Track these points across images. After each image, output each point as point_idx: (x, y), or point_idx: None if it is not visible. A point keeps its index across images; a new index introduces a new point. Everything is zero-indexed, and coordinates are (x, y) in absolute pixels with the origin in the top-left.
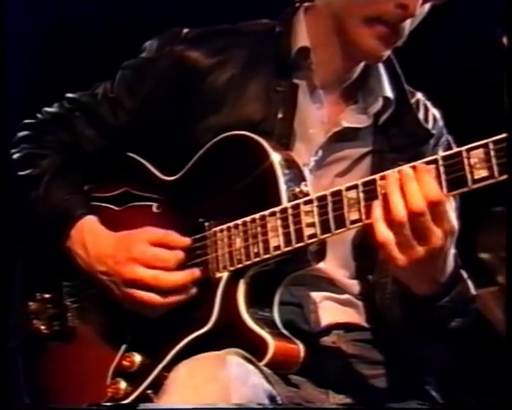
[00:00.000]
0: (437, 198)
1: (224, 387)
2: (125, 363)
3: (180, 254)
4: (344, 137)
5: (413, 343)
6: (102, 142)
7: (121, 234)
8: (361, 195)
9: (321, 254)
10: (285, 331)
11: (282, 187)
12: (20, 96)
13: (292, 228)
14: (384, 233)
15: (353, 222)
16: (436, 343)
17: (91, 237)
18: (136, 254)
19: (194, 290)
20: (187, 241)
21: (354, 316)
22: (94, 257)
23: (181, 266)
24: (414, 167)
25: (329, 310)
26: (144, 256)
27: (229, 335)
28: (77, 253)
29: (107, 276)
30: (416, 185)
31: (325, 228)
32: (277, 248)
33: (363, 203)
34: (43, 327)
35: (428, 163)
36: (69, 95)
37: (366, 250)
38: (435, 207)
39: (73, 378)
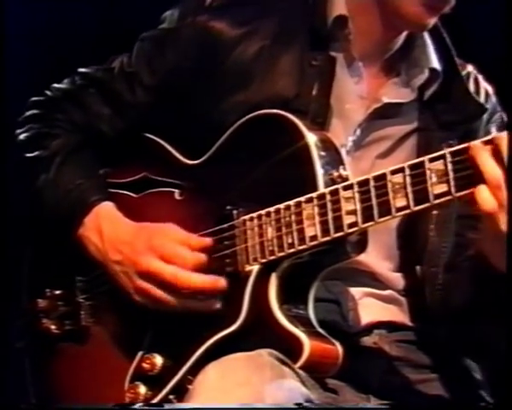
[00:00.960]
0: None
1: (257, 391)
2: (144, 365)
3: (201, 257)
4: (385, 113)
5: (473, 330)
6: (119, 121)
7: (141, 224)
8: (408, 179)
9: (362, 244)
10: (321, 330)
11: (319, 171)
12: (25, 70)
13: (330, 216)
14: (491, 201)
15: (400, 209)
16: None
17: (108, 224)
18: (156, 244)
19: (216, 304)
20: (208, 241)
21: (397, 314)
22: (109, 244)
23: (207, 264)
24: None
25: (370, 307)
26: (165, 249)
27: (260, 334)
28: (90, 240)
29: (121, 266)
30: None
31: (367, 216)
32: (314, 238)
33: (410, 189)
34: (53, 327)
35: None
36: (82, 69)
37: (413, 239)
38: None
39: (87, 383)
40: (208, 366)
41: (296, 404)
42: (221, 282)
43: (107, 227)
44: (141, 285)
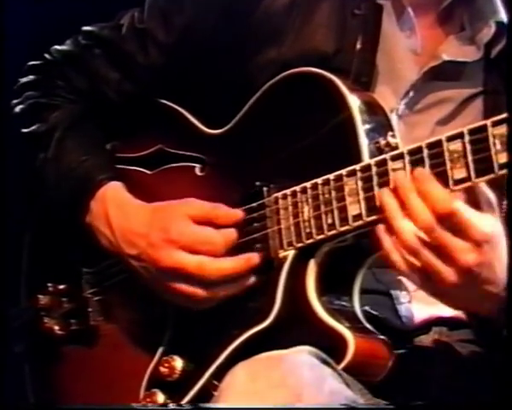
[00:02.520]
0: (446, 208)
1: (294, 394)
2: (162, 370)
3: (231, 234)
4: (444, 73)
5: None
6: (129, 86)
7: (155, 206)
8: (468, 147)
9: None
10: (369, 326)
11: (363, 139)
12: (22, 30)
13: (377, 191)
14: (402, 264)
15: (459, 182)
16: None
17: (116, 211)
18: (175, 234)
19: (251, 280)
20: (239, 214)
21: None
22: (121, 236)
23: (233, 249)
24: (412, 177)
25: (428, 300)
26: (185, 238)
27: (297, 330)
28: (100, 231)
29: (139, 261)
30: (417, 199)
31: None
32: (358, 217)
33: (470, 158)
34: (56, 327)
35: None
36: (86, 28)
37: None
38: (448, 219)
39: (96, 391)
40: (237, 366)
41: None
42: (254, 258)
43: (115, 215)
44: (166, 284)
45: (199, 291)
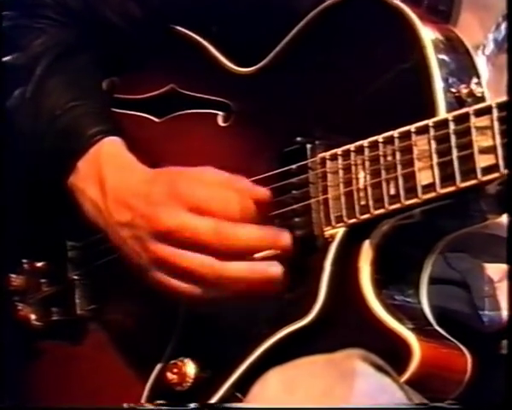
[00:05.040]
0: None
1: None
2: (170, 376)
3: (251, 206)
4: None
5: None
6: (134, 6)
7: (163, 169)
8: None
9: (504, 200)
10: (440, 329)
11: (439, 86)
12: None
13: (455, 155)
14: None
15: None
16: None
17: (113, 172)
18: (183, 190)
19: (280, 268)
20: (264, 193)
21: None
22: (114, 199)
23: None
24: None
25: None
26: (196, 197)
27: (346, 330)
28: (85, 194)
29: (131, 228)
30: None
31: None
32: (430, 187)
33: None
34: (33, 316)
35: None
36: None
37: None
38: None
39: (81, 400)
40: (269, 373)
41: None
42: (284, 237)
43: (111, 176)
44: (159, 253)
45: (208, 270)
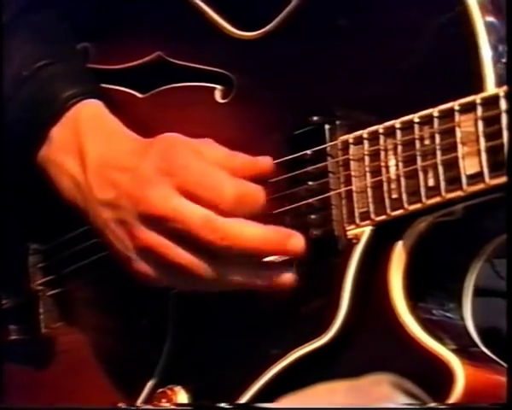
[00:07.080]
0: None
1: None
2: (158, 406)
3: (260, 191)
4: None
5: None
6: None
7: (154, 138)
8: None
9: None
10: (487, 350)
11: (487, 53)
12: None
13: (507, 140)
14: None
15: None
16: None
17: (94, 138)
18: (176, 164)
19: (291, 275)
20: (267, 163)
21: None
22: (96, 174)
23: (271, 220)
24: None
25: None
26: (190, 175)
27: (373, 349)
28: (62, 168)
29: (114, 209)
30: None
31: None
32: (476, 178)
33: None
34: None
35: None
36: None
37: None
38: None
39: None
40: (280, 403)
41: None
42: (295, 239)
43: (92, 144)
44: (146, 241)
45: (199, 264)
